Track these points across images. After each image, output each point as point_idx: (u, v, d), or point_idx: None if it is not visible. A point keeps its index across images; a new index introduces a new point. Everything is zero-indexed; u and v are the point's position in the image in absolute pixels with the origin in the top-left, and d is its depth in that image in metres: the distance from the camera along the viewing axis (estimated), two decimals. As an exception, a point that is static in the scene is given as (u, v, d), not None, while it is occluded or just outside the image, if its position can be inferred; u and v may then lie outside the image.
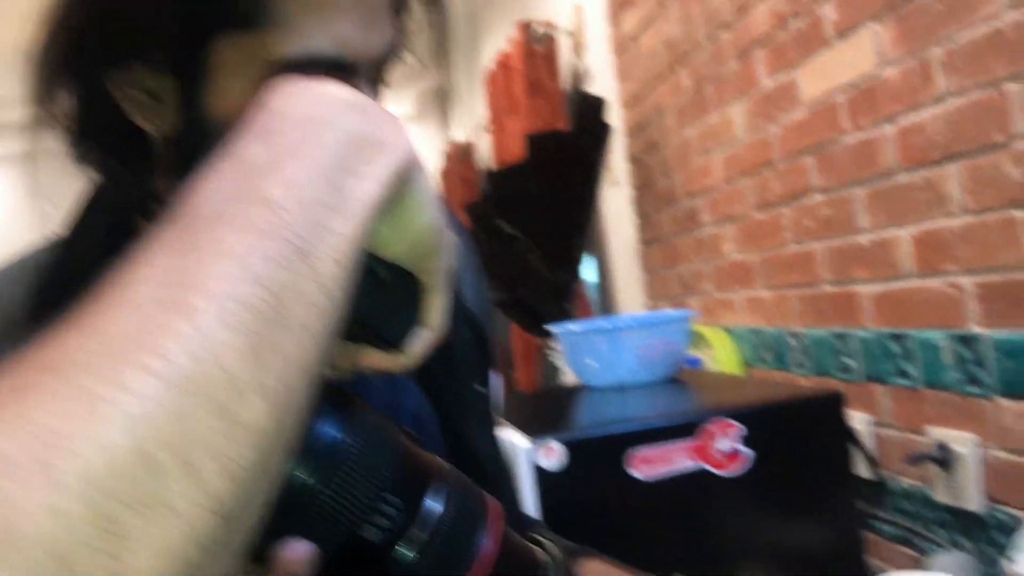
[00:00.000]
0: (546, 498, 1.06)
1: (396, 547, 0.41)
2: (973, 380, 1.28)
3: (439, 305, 0.45)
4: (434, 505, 0.42)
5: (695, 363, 2.15)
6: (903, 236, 1.42)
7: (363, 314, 0.40)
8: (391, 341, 0.43)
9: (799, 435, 1.15)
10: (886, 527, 1.54)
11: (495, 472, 0.77)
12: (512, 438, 1.09)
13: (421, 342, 0.44)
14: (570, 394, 1.55)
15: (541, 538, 0.49)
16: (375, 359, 0.43)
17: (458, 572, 0.42)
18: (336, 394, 0.42)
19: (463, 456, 0.74)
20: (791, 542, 1.15)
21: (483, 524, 0.43)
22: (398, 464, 0.42)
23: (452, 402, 0.75)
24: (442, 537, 0.41)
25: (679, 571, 0.82)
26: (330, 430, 0.40)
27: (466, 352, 0.77)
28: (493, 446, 0.79)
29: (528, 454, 1.06)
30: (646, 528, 1.09)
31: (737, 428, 1.10)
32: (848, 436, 1.18)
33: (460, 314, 0.78)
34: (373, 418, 0.43)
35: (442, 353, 0.75)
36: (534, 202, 2.45)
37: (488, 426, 0.79)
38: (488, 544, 0.43)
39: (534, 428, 1.12)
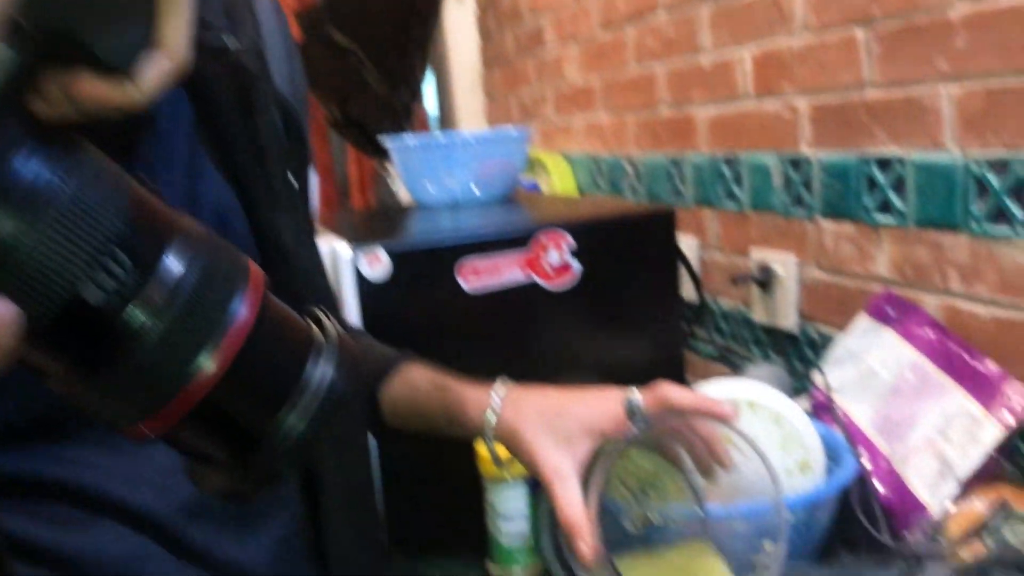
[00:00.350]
0: (369, 309, 1.01)
1: (125, 310, 0.35)
2: (798, 202, 1.31)
3: (177, 24, 0.35)
4: (174, 265, 0.36)
5: (533, 187, 2.12)
6: (744, 56, 1.39)
7: (68, 23, 0.32)
8: (111, 63, 0.34)
9: (629, 252, 1.14)
10: (705, 347, 1.60)
11: (307, 271, 0.70)
12: (334, 246, 1.02)
13: (153, 68, 0.35)
14: (402, 211, 1.48)
15: (322, 316, 0.43)
16: (92, 87, 0.34)
17: (203, 341, 0.36)
18: (52, 132, 0.34)
19: (270, 251, 0.67)
20: (615, 358, 1.16)
21: (239, 291, 0.38)
22: (128, 216, 0.35)
23: (259, 192, 0.67)
24: (182, 301, 0.36)
25: (508, 376, 0.79)
26: (36, 168, 0.33)
27: (274, 137, 0.68)
28: (307, 245, 0.72)
29: (351, 262, 1.00)
30: (473, 340, 1.07)
31: (568, 240, 1.07)
32: (676, 256, 1.18)
33: (268, 95, 0.69)
34: (99, 161, 0.36)
35: (244, 134, 0.67)
36: (372, 14, 2.29)
37: (301, 222, 0.71)
38: (243, 313, 0.37)
39: (359, 237, 1.06)
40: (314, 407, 0.39)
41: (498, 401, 0.77)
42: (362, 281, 1.01)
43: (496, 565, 1.02)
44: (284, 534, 0.66)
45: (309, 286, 0.69)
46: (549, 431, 0.73)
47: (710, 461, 0.74)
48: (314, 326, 0.42)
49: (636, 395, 0.73)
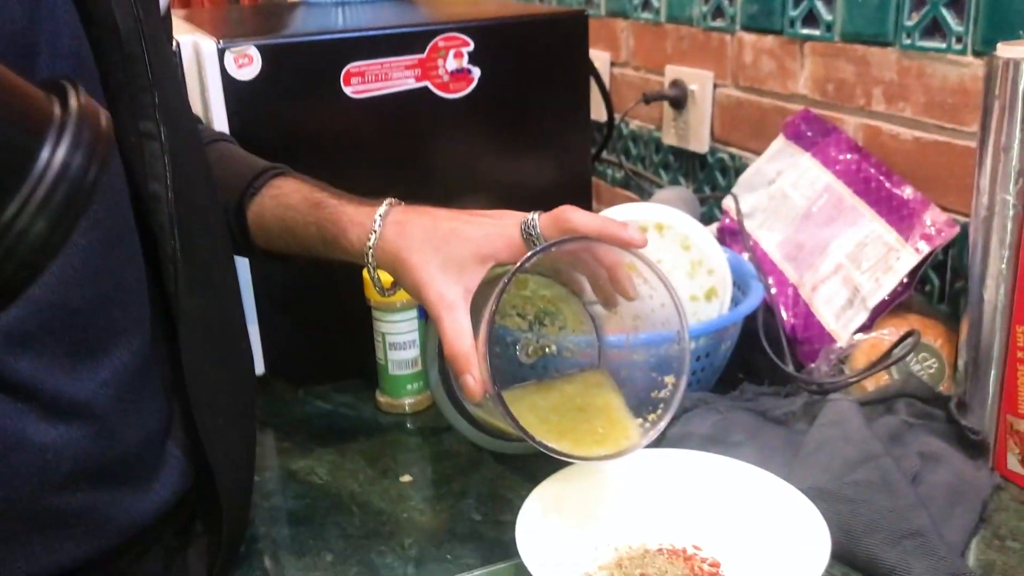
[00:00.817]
0: (238, 113, 0.89)
1: None
2: (718, 14, 1.21)
3: None
4: None
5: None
6: None
7: None
8: None
9: (535, 60, 1.03)
10: (613, 171, 1.53)
11: (147, 63, 0.58)
12: (198, 42, 0.88)
13: None
14: (282, 8, 1.32)
15: (70, 88, 0.33)
16: None
17: None
18: None
19: (101, 35, 0.55)
20: (516, 179, 1.07)
21: None
22: None
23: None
24: None
25: (393, 197, 0.70)
26: None
27: None
28: (148, 34, 0.59)
29: (215, 59, 0.87)
30: (358, 154, 0.96)
31: (468, 44, 0.95)
32: (586, 67, 1.08)
33: None
34: None
35: None
36: None
37: (137, 5, 0.58)
38: None
39: (229, 33, 0.91)
40: (49, 198, 0.30)
41: (380, 222, 0.68)
42: (229, 82, 0.88)
43: (385, 396, 0.96)
44: (130, 365, 0.57)
45: (152, 76, 0.57)
46: (436, 256, 0.65)
47: (612, 290, 0.67)
48: (56, 102, 0.32)
49: (535, 218, 0.65)
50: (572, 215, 0.64)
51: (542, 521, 0.66)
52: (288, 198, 0.75)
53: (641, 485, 0.71)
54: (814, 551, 0.60)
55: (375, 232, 0.67)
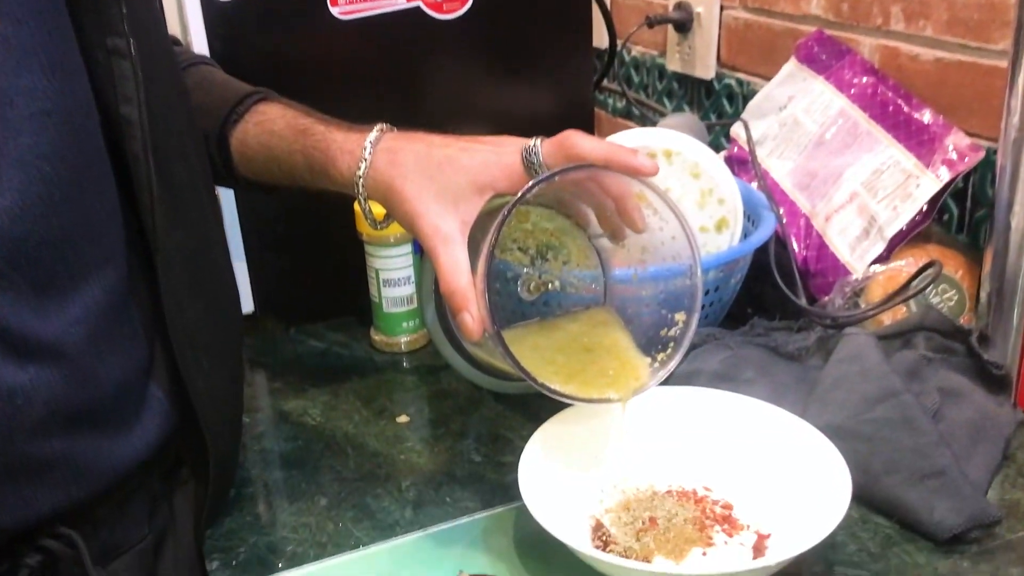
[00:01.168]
0: (218, 36, 0.83)
1: None
2: (727, -71, 1.14)
3: None
4: None
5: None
6: None
7: None
8: None
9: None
10: (614, 100, 1.47)
11: None
12: (172, -42, 0.82)
13: None
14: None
15: None
16: None
17: None
18: None
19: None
20: (513, 107, 1.02)
21: None
22: None
23: None
24: None
25: (388, 122, 0.65)
26: None
27: None
28: None
29: (192, -22, 0.81)
30: (345, 79, 0.91)
31: (462, -41, 0.90)
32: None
33: None
34: None
35: None
36: None
37: None
38: None
39: (204, -51, 0.85)
40: None
41: (370, 149, 0.63)
42: (209, 1, 0.83)
43: (380, 334, 0.92)
44: (104, 302, 0.53)
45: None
46: (431, 186, 0.60)
47: (619, 222, 0.63)
48: None
49: (537, 144, 0.60)
50: (577, 140, 0.59)
51: (545, 463, 0.63)
52: (273, 124, 0.70)
53: (648, 425, 0.67)
54: (834, 492, 0.57)
55: (365, 160, 0.63)
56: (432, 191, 0.60)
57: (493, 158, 0.61)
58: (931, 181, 0.81)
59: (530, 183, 0.58)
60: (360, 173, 0.63)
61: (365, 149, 0.63)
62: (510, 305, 0.69)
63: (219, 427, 0.62)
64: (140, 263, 0.57)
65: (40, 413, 0.50)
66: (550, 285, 0.68)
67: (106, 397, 0.54)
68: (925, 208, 0.82)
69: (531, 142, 0.60)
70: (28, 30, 0.48)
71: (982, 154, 0.80)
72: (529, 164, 0.60)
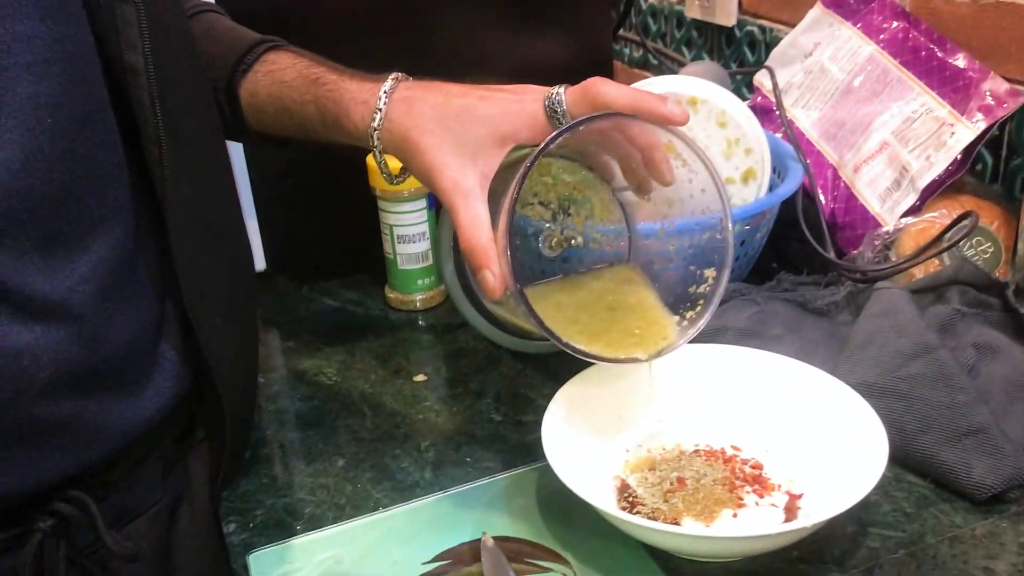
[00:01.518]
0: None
1: None
2: None
3: None
4: None
5: None
6: None
7: None
8: None
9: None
10: (631, 50, 1.43)
11: None
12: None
13: None
14: None
15: None
16: None
17: None
18: None
19: None
20: (528, 56, 0.99)
21: None
22: None
23: None
24: None
25: (399, 71, 0.62)
26: None
27: None
28: None
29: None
30: (356, 25, 0.87)
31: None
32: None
33: None
34: None
35: None
36: None
37: None
38: None
39: None
40: None
41: (385, 99, 0.60)
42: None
43: (395, 292, 0.90)
44: (111, 259, 0.51)
45: None
46: (449, 138, 0.57)
47: (646, 174, 0.60)
48: None
49: (560, 92, 0.57)
50: (604, 87, 0.56)
51: (568, 423, 0.61)
52: (283, 74, 0.67)
53: (675, 383, 0.66)
54: (869, 452, 0.55)
55: (380, 111, 0.60)
56: (450, 143, 0.57)
57: (514, 107, 0.58)
58: (966, 129, 0.78)
59: (553, 133, 0.55)
60: (375, 125, 0.60)
61: (380, 99, 0.60)
62: (530, 262, 0.66)
63: (234, 387, 0.61)
64: (148, 219, 0.55)
65: (47, 374, 0.49)
66: (572, 241, 0.66)
67: (115, 357, 0.53)
68: (960, 157, 0.79)
69: (554, 90, 0.58)
70: None
71: (1021, 100, 0.77)
72: (552, 113, 0.57)
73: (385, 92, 0.60)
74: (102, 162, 0.51)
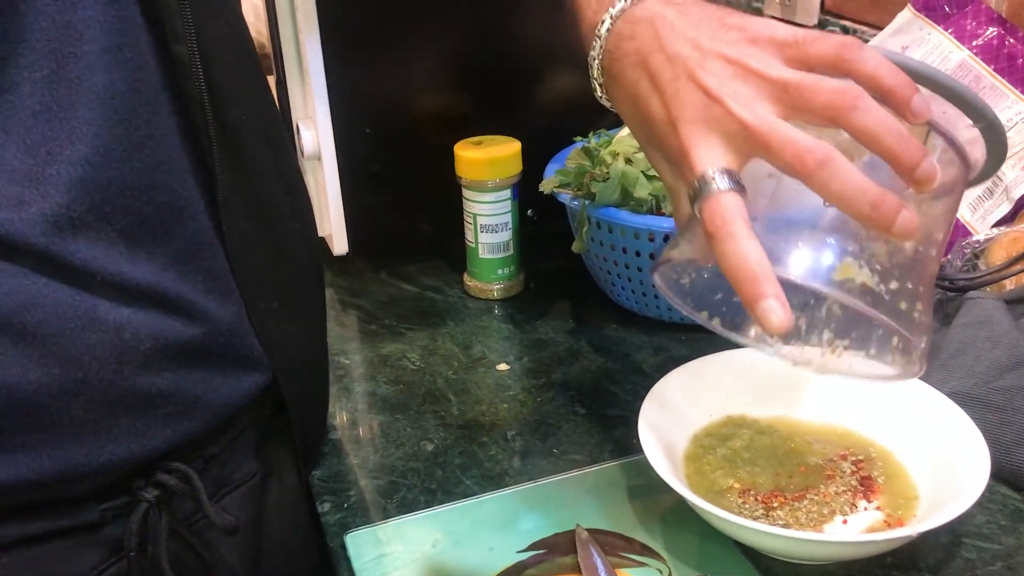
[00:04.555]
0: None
1: None
2: None
3: None
4: None
5: None
6: None
7: None
8: None
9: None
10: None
11: None
12: None
13: None
14: None
15: None
16: None
17: None
18: None
19: None
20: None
21: None
22: None
23: None
24: None
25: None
26: None
27: None
28: None
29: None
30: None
31: None
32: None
33: None
34: None
35: None
36: None
37: None
38: None
39: None
40: None
41: (609, 24, 0.50)
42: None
43: (474, 280, 0.91)
44: (195, 245, 0.52)
45: None
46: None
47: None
48: None
49: None
50: (861, 55, 0.45)
51: (663, 421, 0.62)
52: None
53: (768, 384, 0.66)
54: (970, 463, 0.55)
55: (611, 17, 0.51)
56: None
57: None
58: (1065, 140, 0.77)
59: None
60: (593, 53, 0.52)
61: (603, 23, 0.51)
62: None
63: (293, 371, 0.61)
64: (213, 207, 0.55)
65: (148, 347, 0.49)
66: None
67: (216, 334, 0.53)
68: (1056, 168, 0.78)
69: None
70: None
71: (1124, 113, 0.76)
72: None
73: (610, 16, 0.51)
74: (175, 148, 0.50)
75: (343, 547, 0.59)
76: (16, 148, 0.44)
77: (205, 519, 0.56)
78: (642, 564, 0.56)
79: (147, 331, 0.49)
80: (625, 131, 0.86)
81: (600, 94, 0.54)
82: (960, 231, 0.81)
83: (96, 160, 0.46)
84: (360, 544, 0.59)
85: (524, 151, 0.86)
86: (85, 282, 0.47)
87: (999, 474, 0.61)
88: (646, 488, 0.62)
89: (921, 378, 0.63)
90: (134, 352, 0.49)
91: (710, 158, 0.46)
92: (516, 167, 0.86)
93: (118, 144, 0.47)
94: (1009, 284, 0.76)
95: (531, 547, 0.57)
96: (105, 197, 0.47)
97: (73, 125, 0.45)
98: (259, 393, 0.58)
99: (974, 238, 0.79)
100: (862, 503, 0.58)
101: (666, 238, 0.76)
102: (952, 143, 0.48)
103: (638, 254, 0.78)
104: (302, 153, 0.87)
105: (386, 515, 0.62)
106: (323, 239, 0.93)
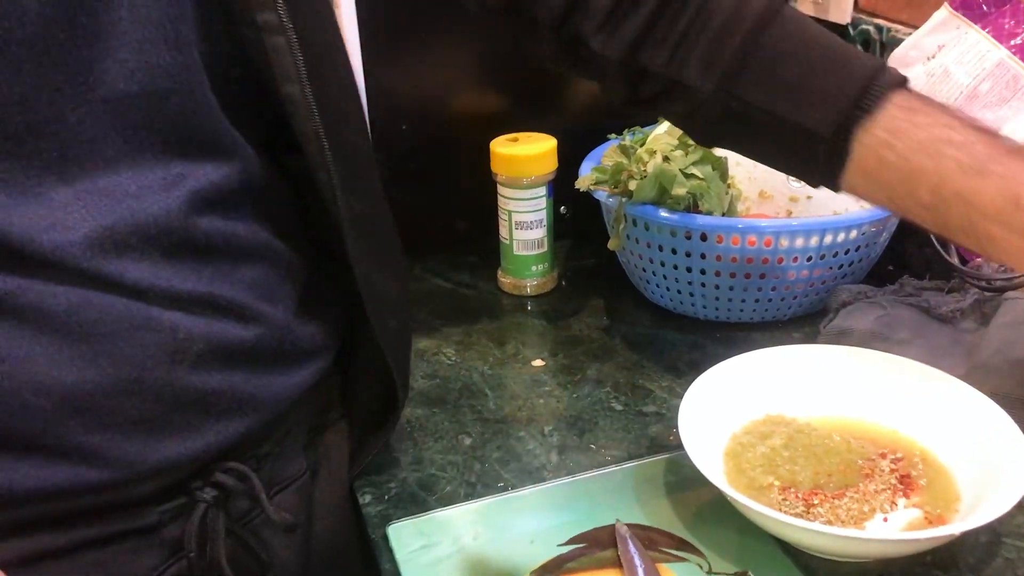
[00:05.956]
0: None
1: None
2: None
3: None
4: None
5: None
6: None
7: None
8: None
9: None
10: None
11: None
12: None
13: None
14: None
15: None
16: None
17: None
18: None
19: None
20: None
21: None
22: None
23: None
24: None
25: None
26: None
27: None
28: None
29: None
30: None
31: None
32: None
33: None
34: None
35: None
36: None
37: None
38: None
39: None
40: None
41: None
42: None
43: (508, 276, 0.92)
44: (236, 261, 0.53)
45: None
46: None
47: None
48: None
49: None
50: None
51: (704, 418, 0.62)
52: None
53: (807, 384, 0.66)
54: (1012, 462, 0.55)
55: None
56: None
57: None
58: (1105, 141, 0.77)
59: None
60: None
61: None
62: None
63: (403, 380, 0.64)
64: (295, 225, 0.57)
65: (201, 348, 0.50)
66: None
67: (268, 337, 0.54)
68: (1096, 169, 0.77)
69: None
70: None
71: None
72: None
73: None
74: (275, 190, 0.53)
75: (385, 538, 0.60)
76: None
77: (260, 518, 0.57)
78: (682, 559, 0.56)
79: (200, 332, 0.50)
80: (660, 128, 0.86)
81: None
82: (998, 231, 0.81)
83: (185, 209, 0.48)
84: (402, 536, 0.60)
85: (558, 148, 0.87)
86: (136, 293, 0.48)
87: (1039, 475, 0.61)
88: (684, 484, 0.62)
89: (958, 376, 0.64)
90: (187, 352, 0.50)
91: None
92: (551, 164, 0.87)
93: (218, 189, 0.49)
94: (1047, 285, 0.76)
95: (571, 541, 0.58)
96: (192, 240, 0.49)
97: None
98: (310, 389, 0.59)
99: (1012, 238, 0.78)
100: (901, 501, 0.58)
101: (703, 236, 0.76)
102: None
103: (674, 252, 0.78)
104: (340, 149, 0.88)
105: (427, 507, 0.63)
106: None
